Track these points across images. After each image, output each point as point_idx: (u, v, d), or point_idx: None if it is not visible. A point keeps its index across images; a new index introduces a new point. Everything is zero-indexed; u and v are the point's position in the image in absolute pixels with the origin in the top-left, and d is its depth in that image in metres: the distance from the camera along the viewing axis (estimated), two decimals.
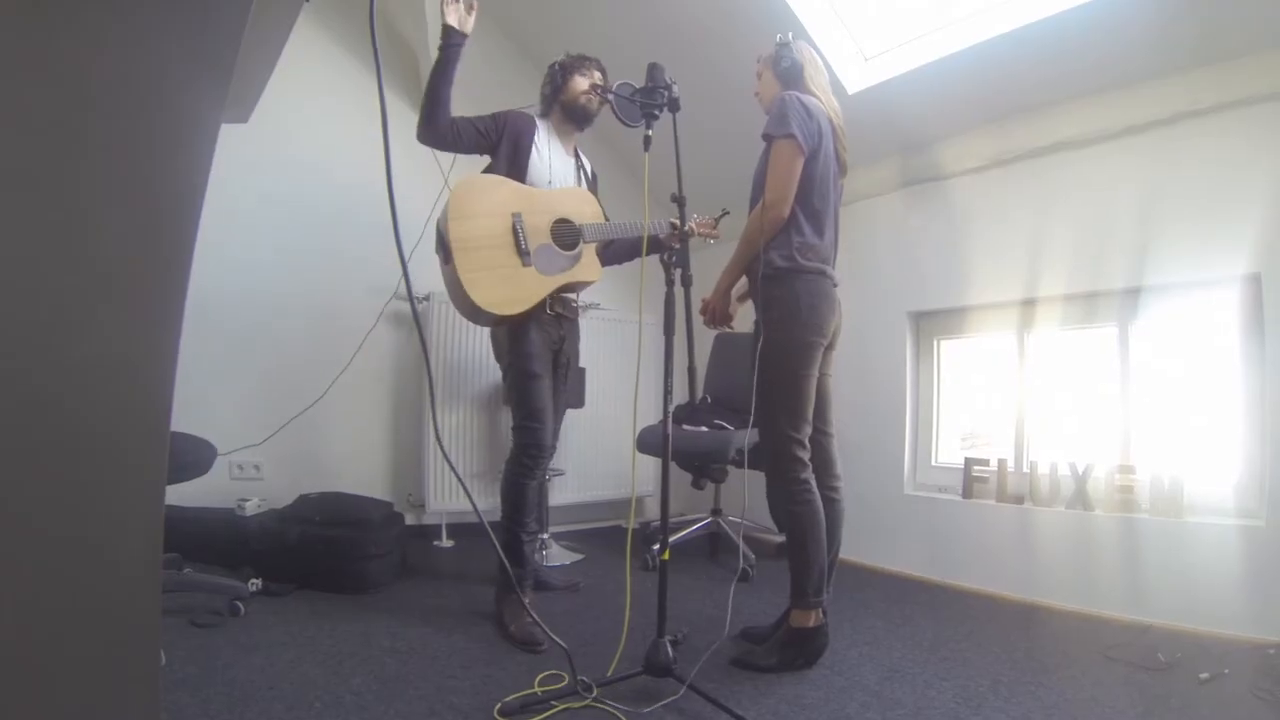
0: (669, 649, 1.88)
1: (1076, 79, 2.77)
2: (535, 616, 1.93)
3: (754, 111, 2.67)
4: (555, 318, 2.66)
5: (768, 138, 2.19)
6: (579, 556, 3.42)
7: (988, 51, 2.81)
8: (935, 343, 3.44)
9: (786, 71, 2.30)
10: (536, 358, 2.58)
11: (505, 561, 2.16)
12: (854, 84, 3.20)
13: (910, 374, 3.42)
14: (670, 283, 2.01)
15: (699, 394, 2.01)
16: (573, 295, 2.74)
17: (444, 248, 2.46)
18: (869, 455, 3.34)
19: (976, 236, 3.16)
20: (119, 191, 0.74)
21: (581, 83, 2.68)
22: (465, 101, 3.89)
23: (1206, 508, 2.54)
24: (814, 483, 2.20)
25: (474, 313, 2.49)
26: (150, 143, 0.75)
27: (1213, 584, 2.40)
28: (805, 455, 2.19)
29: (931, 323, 3.42)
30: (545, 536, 3.39)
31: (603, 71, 2.75)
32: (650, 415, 3.95)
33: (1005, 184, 3.10)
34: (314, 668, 2.00)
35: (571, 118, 2.72)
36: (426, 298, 3.49)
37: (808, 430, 2.21)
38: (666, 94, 2.03)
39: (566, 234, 2.58)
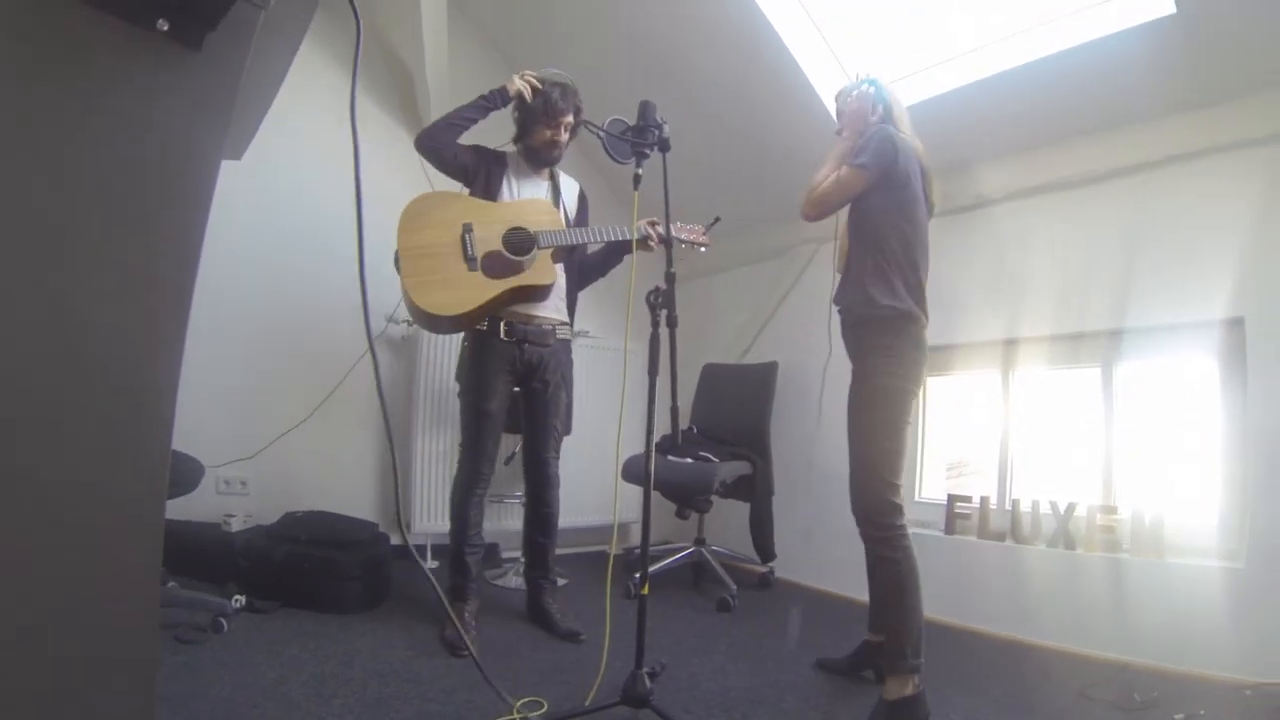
0: (647, 680, 1.89)
1: (1066, 120, 2.84)
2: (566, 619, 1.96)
3: (738, 136, 2.67)
4: (515, 343, 2.69)
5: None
6: (563, 582, 3.42)
7: (975, 93, 2.88)
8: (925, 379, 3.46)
9: (886, 110, 2.33)
10: (491, 395, 2.69)
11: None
12: None
13: None
14: (655, 324, 2.03)
15: (679, 433, 2.05)
16: (545, 320, 2.76)
17: (395, 259, 2.56)
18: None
19: (963, 274, 3.20)
20: (125, 230, 0.79)
21: (544, 134, 2.73)
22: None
23: (1187, 548, 2.56)
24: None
25: (427, 320, 2.57)
26: (154, 183, 0.81)
27: (1192, 624, 2.42)
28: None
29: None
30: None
31: (578, 110, 2.77)
32: (636, 443, 3.96)
33: (992, 223, 3.15)
34: (297, 688, 2.00)
35: (532, 161, 2.79)
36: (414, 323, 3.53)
37: None
38: (657, 133, 2.07)
39: (519, 241, 2.61)
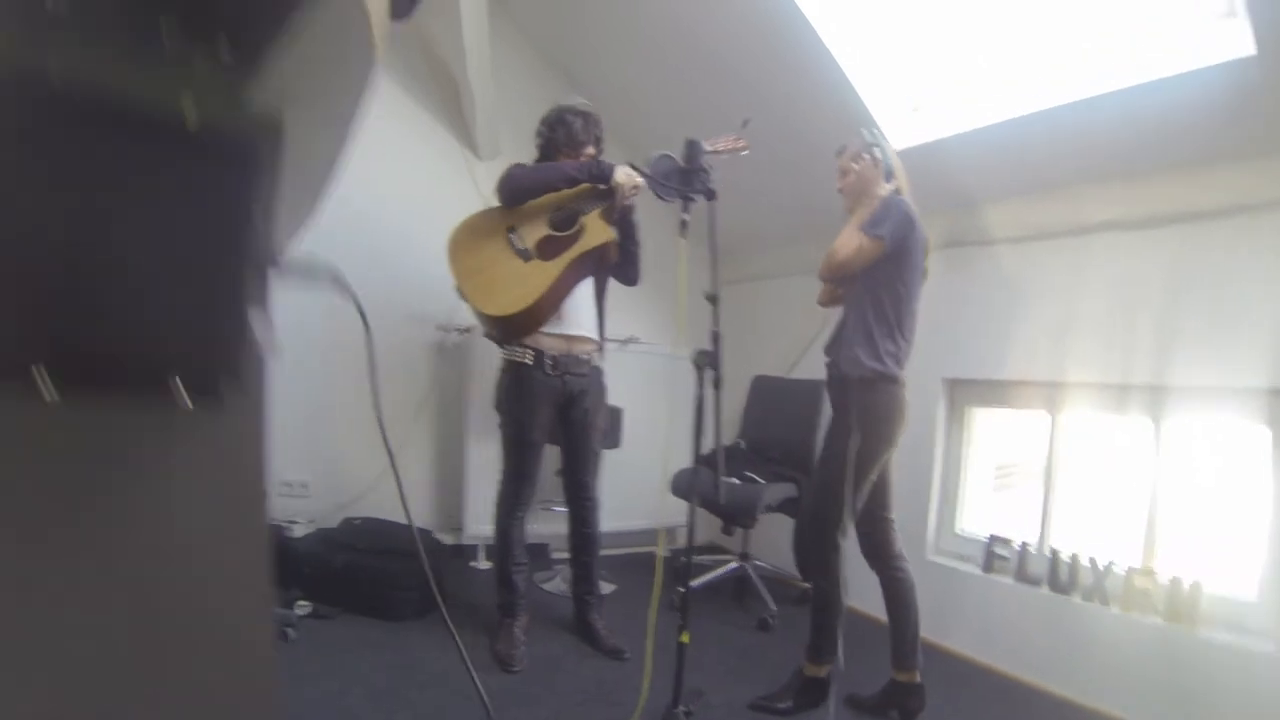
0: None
1: (1127, 160, 2.70)
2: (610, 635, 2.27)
3: (787, 146, 2.57)
4: (559, 376, 2.71)
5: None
6: (611, 588, 3.52)
7: (1041, 122, 2.76)
8: (969, 411, 3.41)
9: (884, 167, 2.45)
10: (535, 427, 2.72)
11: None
12: (902, 139, 3.16)
13: (941, 439, 3.39)
14: (701, 384, 2.03)
15: (723, 465, 2.12)
16: (583, 344, 2.79)
17: (457, 289, 2.60)
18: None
19: (1015, 309, 3.12)
20: None
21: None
22: (508, 126, 3.95)
23: (1222, 621, 2.49)
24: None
25: (504, 327, 2.59)
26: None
27: (1214, 702, 2.37)
28: None
29: (966, 390, 3.38)
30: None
31: (599, 140, 2.79)
32: (683, 456, 3.93)
33: (1046, 258, 3.05)
34: (358, 701, 2.16)
35: None
36: (468, 330, 3.61)
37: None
38: (705, 181, 2.07)
39: (564, 217, 2.64)
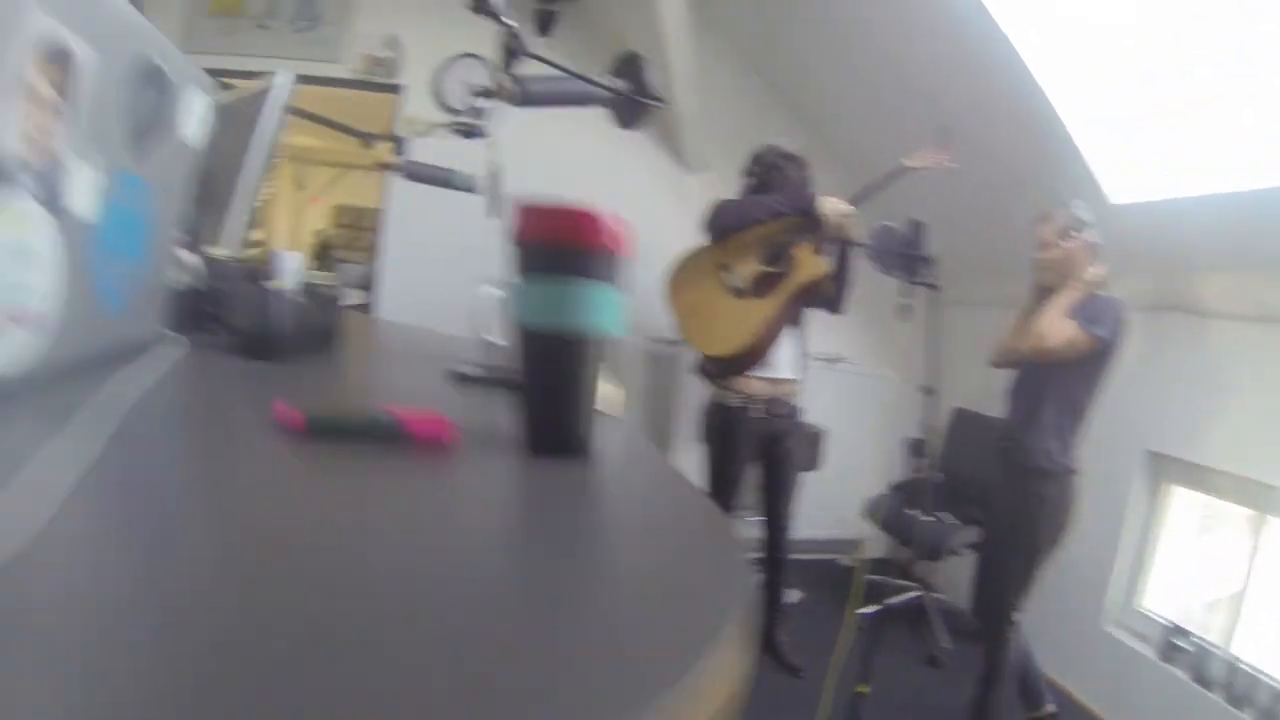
0: None
1: None
2: (791, 651, 2.44)
3: (992, 176, 2.61)
4: (766, 420, 2.82)
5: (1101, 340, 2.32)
6: (798, 596, 3.70)
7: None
8: (1167, 487, 3.26)
9: (1095, 251, 2.41)
10: (739, 465, 2.86)
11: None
12: (1119, 195, 3.04)
13: (1135, 511, 3.25)
14: (914, 470, 2.09)
15: (926, 499, 2.17)
16: (787, 387, 2.86)
17: (677, 329, 2.70)
18: (1071, 577, 3.16)
19: (1226, 391, 2.89)
20: None
21: None
22: (715, 138, 4.07)
23: None
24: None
25: (724, 365, 2.67)
26: None
27: None
28: None
29: (1167, 467, 3.21)
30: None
31: (807, 182, 2.76)
32: (882, 477, 3.96)
33: (1264, 343, 2.79)
34: None
35: None
36: (677, 342, 3.86)
37: None
38: (928, 271, 2.11)
39: (775, 252, 2.66)
